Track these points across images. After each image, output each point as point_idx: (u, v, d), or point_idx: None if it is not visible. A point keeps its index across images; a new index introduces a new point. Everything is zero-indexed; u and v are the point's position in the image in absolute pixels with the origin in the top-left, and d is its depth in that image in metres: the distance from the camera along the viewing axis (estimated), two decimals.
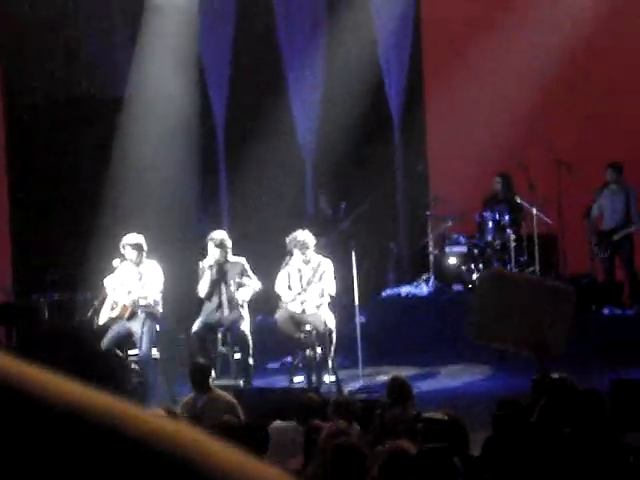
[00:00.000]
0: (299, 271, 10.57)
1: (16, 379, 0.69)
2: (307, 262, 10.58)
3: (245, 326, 10.50)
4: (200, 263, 10.65)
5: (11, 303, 12.42)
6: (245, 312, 10.60)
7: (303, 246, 10.51)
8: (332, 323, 10.46)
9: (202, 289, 10.56)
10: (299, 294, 10.58)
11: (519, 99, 13.46)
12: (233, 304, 10.53)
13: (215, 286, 10.54)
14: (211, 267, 10.51)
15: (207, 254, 10.61)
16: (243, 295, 10.54)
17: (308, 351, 10.50)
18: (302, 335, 10.52)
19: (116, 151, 13.70)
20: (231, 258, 10.64)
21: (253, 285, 10.58)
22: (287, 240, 10.59)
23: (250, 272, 10.63)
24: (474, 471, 5.68)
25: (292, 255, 10.60)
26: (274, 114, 14.13)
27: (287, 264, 10.63)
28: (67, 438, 0.67)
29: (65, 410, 0.68)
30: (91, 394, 0.71)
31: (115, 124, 13.78)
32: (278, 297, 10.74)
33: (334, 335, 10.45)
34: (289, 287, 10.64)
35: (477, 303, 7.71)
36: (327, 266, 10.60)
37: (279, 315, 10.61)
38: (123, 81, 13.98)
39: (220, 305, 10.57)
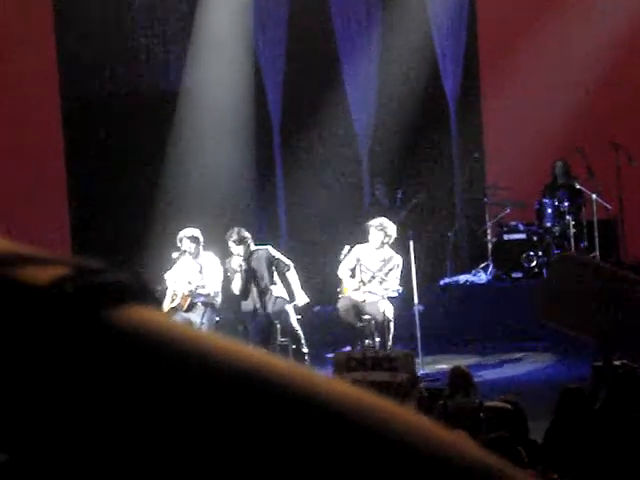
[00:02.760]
0: (361, 261, 10.50)
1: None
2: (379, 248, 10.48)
3: (288, 316, 10.41)
4: (227, 262, 10.54)
5: None
6: (290, 306, 10.47)
7: (383, 230, 10.43)
8: (390, 313, 10.42)
9: (236, 287, 10.48)
10: (363, 284, 10.52)
11: (576, 84, 13.34)
12: (269, 295, 10.45)
13: (249, 282, 10.44)
14: (240, 266, 10.40)
15: (231, 254, 10.48)
16: (292, 283, 10.45)
17: (367, 341, 10.48)
18: (361, 324, 10.50)
19: (172, 145, 13.78)
20: (254, 248, 10.54)
21: (290, 272, 10.50)
22: (368, 224, 10.52)
23: (279, 255, 10.53)
24: (537, 458, 5.65)
25: (367, 239, 10.48)
26: (330, 104, 14.13)
27: (352, 248, 10.53)
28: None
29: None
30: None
31: (171, 118, 13.85)
32: (340, 282, 10.65)
33: (392, 324, 10.42)
34: (352, 274, 10.58)
35: (547, 282, 7.69)
36: (397, 262, 10.52)
37: (341, 304, 10.56)
38: (179, 75, 14.05)
39: (261, 298, 10.49)
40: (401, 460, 0.59)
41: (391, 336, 10.37)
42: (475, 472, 0.63)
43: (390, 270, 10.48)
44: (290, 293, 10.52)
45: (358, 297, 10.49)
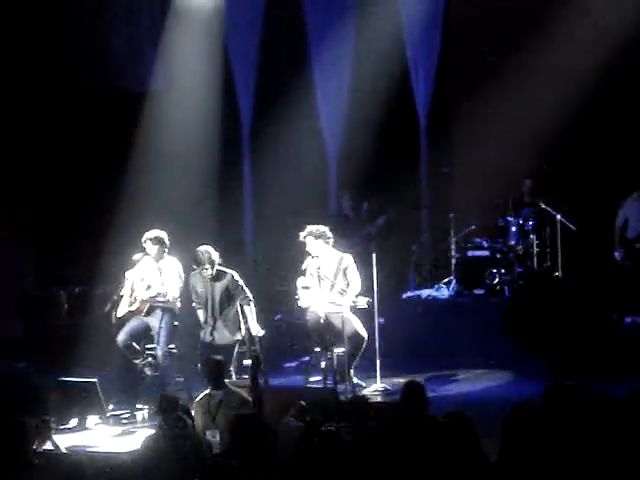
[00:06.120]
0: (318, 270, 10.37)
1: None
2: (325, 257, 10.34)
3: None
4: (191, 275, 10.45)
5: (30, 292, 12.43)
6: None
7: (322, 236, 10.28)
8: (363, 332, 10.26)
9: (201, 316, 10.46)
10: (328, 290, 10.36)
11: (549, 101, 13.30)
12: (220, 323, 10.36)
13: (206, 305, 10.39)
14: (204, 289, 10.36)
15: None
16: (247, 316, 10.31)
17: (329, 353, 10.33)
18: (329, 337, 10.31)
19: (139, 145, 13.68)
20: (220, 269, 10.35)
21: (249, 306, 10.30)
22: (302, 235, 10.35)
23: (242, 283, 10.36)
24: (489, 474, 5.64)
25: (308, 254, 10.37)
26: (300, 112, 14.08)
27: (307, 267, 10.42)
28: None
29: None
30: None
31: (138, 118, 13.75)
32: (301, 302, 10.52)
33: (363, 345, 10.27)
34: (309, 288, 10.45)
35: (516, 300, 7.70)
36: (348, 261, 10.39)
37: (310, 318, 10.40)
38: (149, 75, 13.96)
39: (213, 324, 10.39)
40: None
41: (360, 352, 10.21)
42: None
43: (345, 269, 10.34)
44: (240, 324, 10.34)
45: (325, 309, 10.29)
